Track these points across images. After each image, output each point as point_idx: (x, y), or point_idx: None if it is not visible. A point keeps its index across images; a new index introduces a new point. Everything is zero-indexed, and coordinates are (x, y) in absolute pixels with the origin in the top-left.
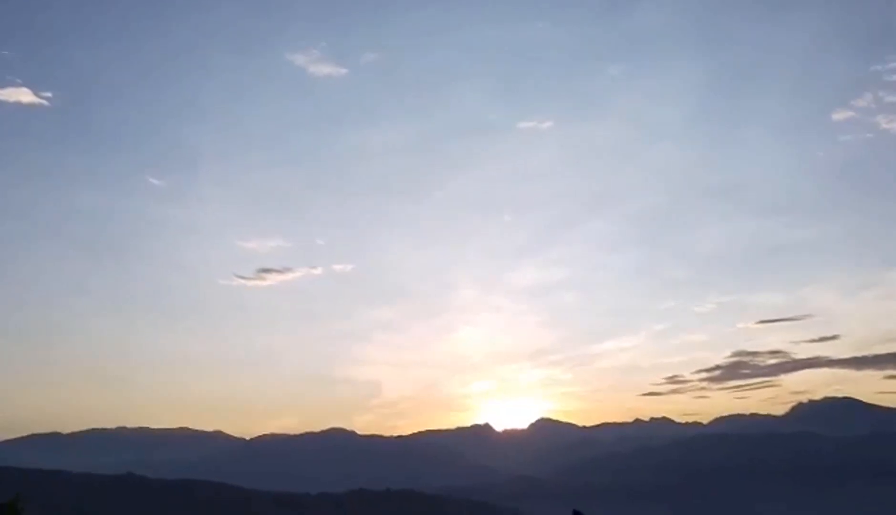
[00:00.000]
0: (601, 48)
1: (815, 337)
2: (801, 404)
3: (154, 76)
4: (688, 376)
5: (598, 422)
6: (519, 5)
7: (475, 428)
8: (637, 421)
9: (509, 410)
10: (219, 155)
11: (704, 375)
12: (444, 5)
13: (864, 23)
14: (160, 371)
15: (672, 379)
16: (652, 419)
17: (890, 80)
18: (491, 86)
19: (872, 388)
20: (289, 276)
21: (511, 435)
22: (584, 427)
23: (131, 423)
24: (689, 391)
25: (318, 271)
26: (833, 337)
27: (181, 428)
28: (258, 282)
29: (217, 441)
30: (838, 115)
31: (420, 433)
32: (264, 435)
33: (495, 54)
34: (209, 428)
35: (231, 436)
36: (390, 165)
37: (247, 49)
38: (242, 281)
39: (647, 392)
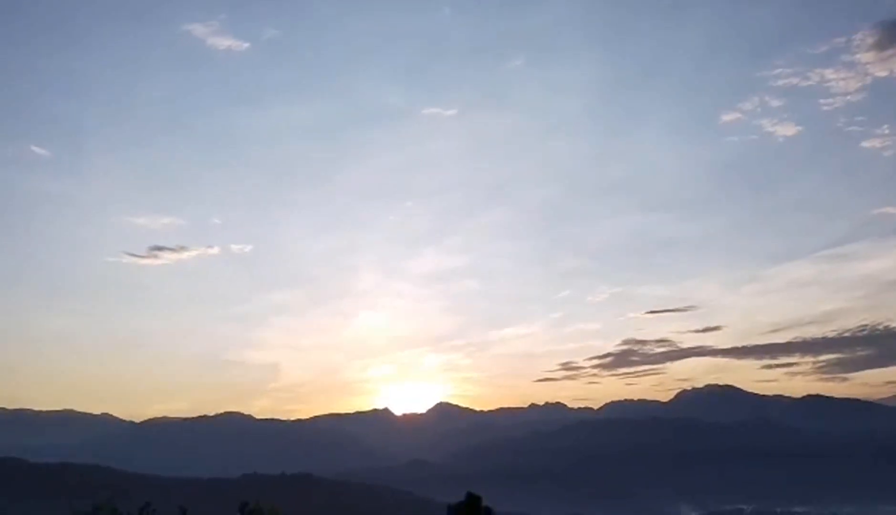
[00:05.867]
0: (505, 39)
1: (699, 327)
2: (685, 391)
3: (38, 41)
4: (581, 363)
5: (494, 407)
6: None
7: (374, 412)
8: (532, 405)
9: (408, 395)
10: (109, 125)
11: (596, 362)
12: None
13: (752, 30)
14: (43, 351)
15: (566, 366)
16: (546, 404)
17: (774, 85)
18: (396, 72)
19: (750, 377)
20: (183, 255)
21: (409, 420)
22: (482, 411)
23: (11, 405)
24: (582, 377)
25: (215, 251)
26: (715, 328)
27: (66, 411)
28: (150, 261)
29: (104, 424)
30: (726, 117)
31: (318, 417)
32: (155, 419)
33: (401, 39)
34: (96, 411)
35: (119, 419)
36: (292, 146)
37: (141, 16)
38: (133, 259)
39: (541, 378)
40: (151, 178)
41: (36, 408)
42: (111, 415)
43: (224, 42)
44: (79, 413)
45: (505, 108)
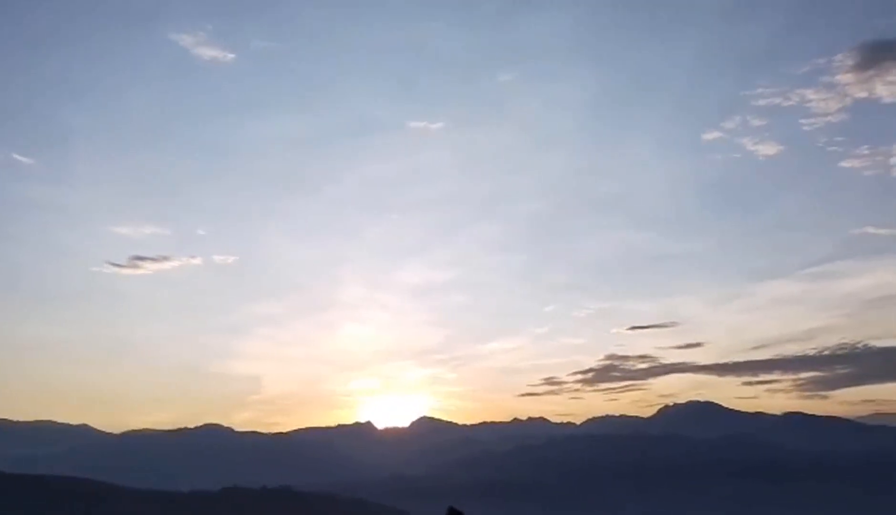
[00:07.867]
0: (494, 53)
1: (681, 343)
2: (667, 406)
3: (23, 47)
4: (563, 378)
5: (478, 421)
6: (413, 4)
7: (356, 425)
8: (515, 420)
9: (392, 408)
10: (93, 134)
11: (579, 377)
12: None
13: (738, 49)
14: (21, 359)
15: (549, 381)
16: (529, 418)
17: (756, 104)
18: (382, 84)
19: (731, 393)
20: (166, 265)
21: (392, 433)
22: (465, 425)
23: None
24: (565, 392)
25: (198, 261)
26: (697, 345)
27: (44, 421)
28: (132, 271)
29: (83, 435)
30: (709, 135)
31: (300, 430)
32: (135, 430)
33: (388, 52)
34: (74, 422)
35: (99, 430)
36: (277, 157)
37: (126, 25)
38: (115, 269)
39: (525, 392)
40: (135, 188)
41: (13, 418)
42: (90, 426)
43: (210, 52)
44: (57, 423)
45: (494, 122)
